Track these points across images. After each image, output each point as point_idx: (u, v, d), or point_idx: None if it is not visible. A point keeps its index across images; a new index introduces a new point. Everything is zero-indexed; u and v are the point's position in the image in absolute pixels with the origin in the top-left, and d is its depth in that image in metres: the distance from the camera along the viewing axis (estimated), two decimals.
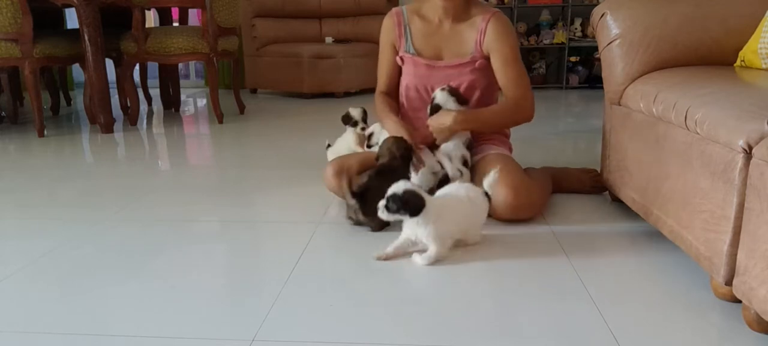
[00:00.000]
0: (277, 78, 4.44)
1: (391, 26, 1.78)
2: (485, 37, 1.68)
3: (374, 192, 1.39)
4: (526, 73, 1.72)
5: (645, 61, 1.54)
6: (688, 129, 1.17)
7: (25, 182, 2.12)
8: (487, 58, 1.70)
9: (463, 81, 1.70)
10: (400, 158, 1.56)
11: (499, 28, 1.67)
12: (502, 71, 1.69)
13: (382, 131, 1.79)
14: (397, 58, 1.77)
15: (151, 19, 4.97)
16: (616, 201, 1.73)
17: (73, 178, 2.16)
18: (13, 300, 1.18)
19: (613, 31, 1.58)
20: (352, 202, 1.46)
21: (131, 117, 3.27)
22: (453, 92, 1.64)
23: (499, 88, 1.75)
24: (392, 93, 1.82)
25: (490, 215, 1.59)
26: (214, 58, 3.20)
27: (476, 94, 1.73)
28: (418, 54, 1.73)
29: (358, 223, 1.53)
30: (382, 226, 1.49)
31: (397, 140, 1.59)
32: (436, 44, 1.73)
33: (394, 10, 1.80)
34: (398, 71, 1.80)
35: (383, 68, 1.82)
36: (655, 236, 1.44)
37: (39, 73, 3.00)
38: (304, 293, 1.19)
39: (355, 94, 4.47)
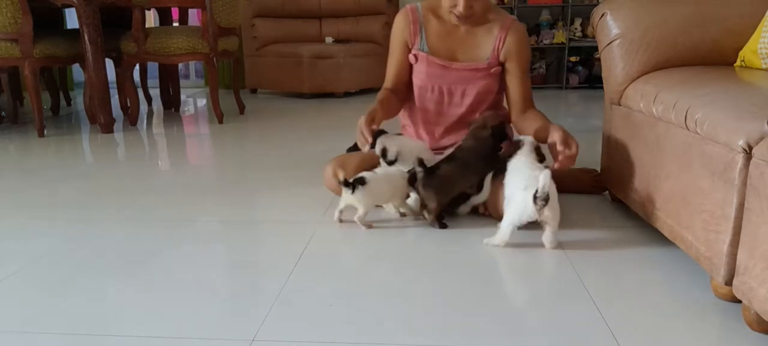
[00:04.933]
0: (277, 78, 4.44)
1: (404, 24, 1.75)
2: (504, 45, 1.68)
3: (440, 175, 1.50)
4: None
5: (645, 61, 1.54)
6: (688, 129, 1.17)
7: (25, 182, 2.12)
8: (502, 65, 1.71)
9: (478, 85, 1.70)
10: (488, 137, 1.56)
11: (520, 38, 1.70)
12: (518, 79, 1.71)
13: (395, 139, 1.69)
14: (410, 56, 1.75)
15: (151, 19, 4.97)
16: (616, 201, 1.73)
17: (73, 178, 2.16)
18: (13, 300, 1.18)
19: (613, 31, 1.58)
20: (419, 173, 1.49)
21: (131, 117, 3.27)
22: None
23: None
24: (398, 90, 1.78)
25: (492, 216, 1.60)
26: (214, 58, 3.20)
27: (489, 99, 1.74)
28: (433, 53, 1.72)
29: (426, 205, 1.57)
30: (442, 210, 1.54)
31: (487, 118, 1.61)
32: (451, 45, 1.71)
33: (408, 7, 1.76)
34: (408, 69, 1.77)
35: (392, 66, 1.79)
36: (655, 236, 1.44)
37: (39, 73, 3.00)
38: (304, 293, 1.19)
39: (355, 94, 4.47)
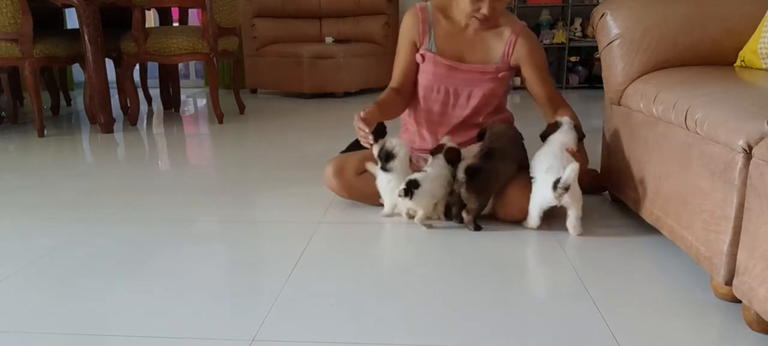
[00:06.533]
0: (277, 78, 4.44)
1: (414, 23, 1.73)
2: (514, 49, 1.68)
3: (485, 173, 1.49)
4: None
5: (645, 61, 1.54)
6: (688, 129, 1.17)
7: (25, 182, 2.12)
8: (511, 70, 1.72)
9: (484, 87, 1.70)
10: (512, 140, 1.60)
11: (531, 42, 1.70)
12: (540, 80, 1.72)
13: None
14: (418, 56, 1.73)
15: (151, 19, 4.97)
16: (616, 201, 1.73)
17: (73, 178, 2.16)
18: (13, 300, 1.18)
19: (613, 31, 1.58)
20: (461, 176, 1.49)
21: (131, 117, 3.27)
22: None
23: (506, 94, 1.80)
24: (404, 90, 1.77)
25: (498, 218, 1.60)
26: (214, 58, 3.20)
27: (494, 102, 1.74)
28: (440, 54, 1.71)
29: (458, 208, 1.57)
30: (481, 210, 1.54)
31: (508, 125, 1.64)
32: (459, 47, 1.71)
33: (418, 6, 1.75)
34: (415, 69, 1.76)
35: (399, 65, 1.78)
36: (655, 236, 1.44)
37: (39, 73, 3.00)
38: (304, 293, 1.19)
39: (355, 94, 4.47)
